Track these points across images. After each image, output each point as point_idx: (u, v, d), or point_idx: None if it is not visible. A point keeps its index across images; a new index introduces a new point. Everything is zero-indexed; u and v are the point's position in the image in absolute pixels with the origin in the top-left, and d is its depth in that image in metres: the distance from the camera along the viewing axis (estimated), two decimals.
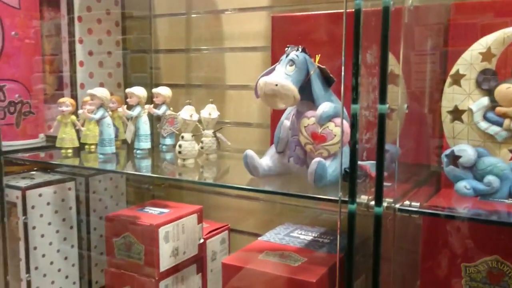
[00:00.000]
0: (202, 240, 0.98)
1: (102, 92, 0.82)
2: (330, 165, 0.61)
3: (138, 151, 0.88)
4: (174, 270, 0.92)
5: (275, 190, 0.64)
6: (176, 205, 1.01)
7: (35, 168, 1.02)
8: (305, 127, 0.64)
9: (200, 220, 0.98)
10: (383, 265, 0.55)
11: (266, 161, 0.69)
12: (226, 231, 1.06)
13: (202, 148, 0.83)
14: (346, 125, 0.62)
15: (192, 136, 0.78)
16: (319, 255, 0.80)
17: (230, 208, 1.10)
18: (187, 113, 0.78)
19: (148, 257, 0.89)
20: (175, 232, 0.92)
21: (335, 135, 0.62)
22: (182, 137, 0.78)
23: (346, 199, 0.54)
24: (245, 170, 0.69)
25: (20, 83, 0.95)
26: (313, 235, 0.92)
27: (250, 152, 0.67)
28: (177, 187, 1.16)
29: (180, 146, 0.78)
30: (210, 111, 0.83)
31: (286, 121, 0.69)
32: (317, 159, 0.61)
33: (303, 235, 0.92)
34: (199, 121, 0.82)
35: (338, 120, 0.63)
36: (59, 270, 0.99)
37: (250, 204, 1.07)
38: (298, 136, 0.65)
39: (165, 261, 0.89)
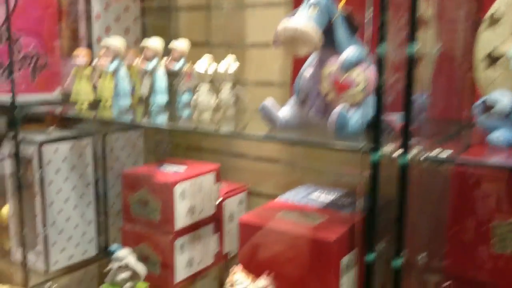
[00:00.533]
0: (219, 200, 0.96)
1: (117, 43, 0.79)
2: (353, 115, 0.57)
3: (154, 106, 0.86)
4: (190, 229, 0.90)
5: (294, 139, 0.60)
6: (194, 163, 0.98)
7: (51, 125, 1.00)
8: (327, 75, 0.60)
9: (217, 180, 0.96)
10: (408, 225, 0.51)
11: (285, 112, 0.65)
12: (244, 193, 1.03)
13: (218, 103, 0.80)
14: (372, 72, 0.58)
15: (208, 89, 0.75)
16: (339, 215, 0.77)
17: (248, 170, 1.07)
18: (204, 64, 0.74)
19: (164, 215, 0.87)
20: (191, 190, 0.90)
21: (359, 83, 0.58)
22: (198, 90, 0.75)
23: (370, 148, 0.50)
24: (264, 126, 0.66)
25: (35, 36, 0.93)
26: (334, 196, 0.88)
27: (268, 101, 0.63)
28: (195, 148, 1.14)
29: (195, 99, 0.74)
30: (229, 64, 0.80)
31: (307, 70, 0.65)
32: (338, 108, 0.57)
33: (324, 196, 0.88)
34: (216, 74, 0.78)
35: (362, 67, 0.58)
36: (76, 227, 0.99)
37: (269, 167, 1.04)
38: (320, 85, 0.61)
39: (181, 220, 0.88)
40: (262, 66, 1.02)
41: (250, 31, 1.04)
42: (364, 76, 0.58)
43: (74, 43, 0.99)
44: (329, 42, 0.61)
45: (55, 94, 0.96)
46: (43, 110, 0.93)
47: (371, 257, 0.49)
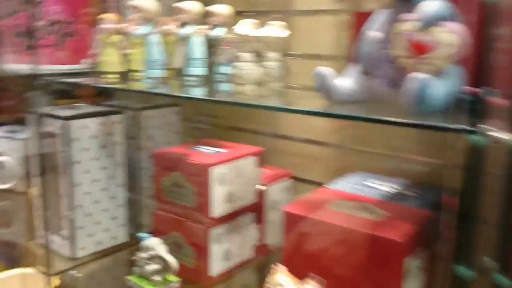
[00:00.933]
0: (261, 187, 0.86)
1: (148, 3, 0.69)
2: (436, 85, 0.45)
3: (189, 78, 0.75)
4: (228, 218, 0.80)
5: (363, 116, 0.47)
6: (234, 145, 0.88)
7: (82, 100, 0.92)
8: (400, 34, 0.47)
9: (260, 164, 0.85)
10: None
11: (346, 82, 0.53)
12: (289, 179, 0.92)
13: (263, 75, 0.69)
14: (460, 31, 0.45)
15: (251, 58, 0.64)
16: (406, 210, 0.65)
17: (294, 154, 0.96)
18: (245, 27, 0.63)
19: (199, 200, 0.77)
20: (230, 174, 0.79)
21: (445, 44, 0.45)
22: (238, 57, 0.64)
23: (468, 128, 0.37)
24: (315, 101, 0.54)
25: (61, 1, 0.84)
26: (395, 186, 0.76)
27: (323, 69, 0.51)
28: (235, 129, 1.03)
29: (236, 67, 0.64)
30: (277, 28, 0.68)
31: (372, 31, 0.53)
32: (417, 75, 0.44)
33: (382, 186, 0.76)
34: (261, 40, 0.67)
35: (450, 24, 0.46)
36: (105, 210, 0.91)
37: (317, 150, 0.92)
38: (391, 49, 0.49)
39: (218, 207, 0.78)
40: (312, 36, 0.90)
41: None
42: (450, 35, 0.45)
43: (105, 8, 0.89)
44: None
45: (82, 66, 0.87)
46: (70, 82, 0.84)
47: (467, 273, 0.36)
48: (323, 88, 0.51)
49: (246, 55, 0.64)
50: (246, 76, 0.63)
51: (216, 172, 0.77)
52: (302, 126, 0.92)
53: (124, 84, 0.76)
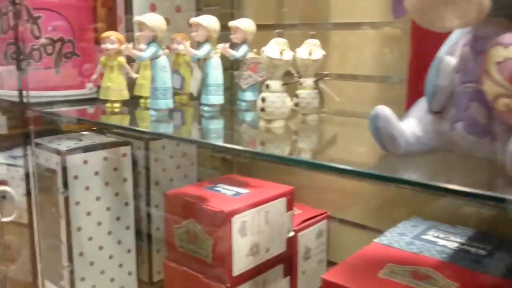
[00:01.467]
0: (292, 234, 0.72)
1: (155, 20, 0.56)
2: None
3: (205, 108, 0.63)
4: (253, 273, 0.67)
5: (436, 184, 0.33)
6: (259, 183, 0.74)
7: (83, 129, 0.81)
8: (497, 63, 0.33)
9: (290, 207, 0.72)
10: None
11: (412, 126, 0.39)
12: (325, 221, 0.78)
13: (296, 105, 0.56)
14: None
15: (282, 85, 0.51)
16: (478, 278, 0.51)
17: (330, 188, 0.81)
18: (276, 49, 0.50)
19: (217, 254, 0.64)
20: (255, 222, 0.66)
21: None
22: (267, 86, 0.51)
23: None
24: (366, 141, 0.41)
25: (61, 15, 0.73)
26: (459, 239, 0.61)
27: (384, 109, 0.37)
28: (260, 161, 0.90)
29: (263, 99, 0.50)
30: (311, 49, 0.55)
31: (448, 57, 0.39)
32: None
33: (443, 239, 0.62)
34: (294, 63, 0.54)
35: None
36: (110, 257, 0.78)
37: (358, 185, 0.78)
38: (479, 83, 0.35)
39: (241, 262, 0.64)
40: (352, 53, 0.76)
41: (334, 9, 0.78)
42: None
43: (111, 24, 0.78)
44: (498, 8, 0.34)
45: (86, 91, 0.75)
46: (70, 110, 0.73)
47: None
48: (382, 135, 0.37)
49: (274, 83, 0.51)
50: (273, 110, 0.50)
51: (239, 221, 0.64)
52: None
53: (126, 115, 0.64)
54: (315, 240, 0.76)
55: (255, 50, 0.68)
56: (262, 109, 0.51)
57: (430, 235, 0.63)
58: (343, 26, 0.77)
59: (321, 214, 0.78)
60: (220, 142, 0.49)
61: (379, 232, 0.78)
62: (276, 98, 0.50)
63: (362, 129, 0.44)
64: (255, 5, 0.89)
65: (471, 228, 0.64)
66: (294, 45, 0.56)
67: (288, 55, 0.50)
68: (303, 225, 0.74)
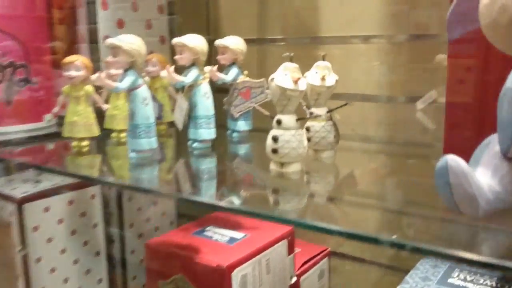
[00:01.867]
0: (294, 279, 0.63)
1: (132, 42, 0.46)
2: None
3: (195, 145, 0.53)
4: None
5: None
6: (253, 223, 0.64)
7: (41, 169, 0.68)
8: None
9: (291, 249, 0.62)
10: None
11: (486, 178, 0.31)
12: (326, 259, 0.70)
13: (309, 140, 0.47)
14: None
15: (297, 120, 0.42)
16: None
17: None
18: (288, 77, 0.41)
19: None
20: (256, 273, 0.56)
21: None
22: (279, 122, 0.41)
23: None
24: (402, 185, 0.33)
25: (11, 36, 0.61)
26: (489, 282, 0.54)
27: (457, 161, 0.29)
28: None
29: (275, 139, 0.41)
30: (324, 74, 0.46)
31: None
32: None
33: (473, 283, 0.54)
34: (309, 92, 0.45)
35: None
36: None
37: (360, 214, 0.70)
38: None
39: None
40: (353, 71, 0.68)
41: (326, 19, 0.70)
42: None
43: (72, 44, 0.66)
44: None
45: (44, 124, 0.64)
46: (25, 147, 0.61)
47: None
48: (458, 196, 0.29)
49: (288, 118, 0.42)
50: (291, 152, 0.41)
51: (239, 275, 0.54)
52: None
53: (96, 156, 0.53)
54: (317, 282, 0.68)
55: (246, 72, 0.59)
56: (275, 151, 0.41)
57: (456, 278, 0.55)
58: (342, 39, 0.69)
59: (321, 252, 0.69)
60: (229, 205, 0.39)
61: (379, 265, 0.71)
62: (291, 136, 0.41)
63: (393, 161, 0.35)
64: (232, 17, 0.79)
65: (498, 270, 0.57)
66: (277, 65, 0.46)
67: (303, 84, 0.41)
68: (304, 267, 0.65)
